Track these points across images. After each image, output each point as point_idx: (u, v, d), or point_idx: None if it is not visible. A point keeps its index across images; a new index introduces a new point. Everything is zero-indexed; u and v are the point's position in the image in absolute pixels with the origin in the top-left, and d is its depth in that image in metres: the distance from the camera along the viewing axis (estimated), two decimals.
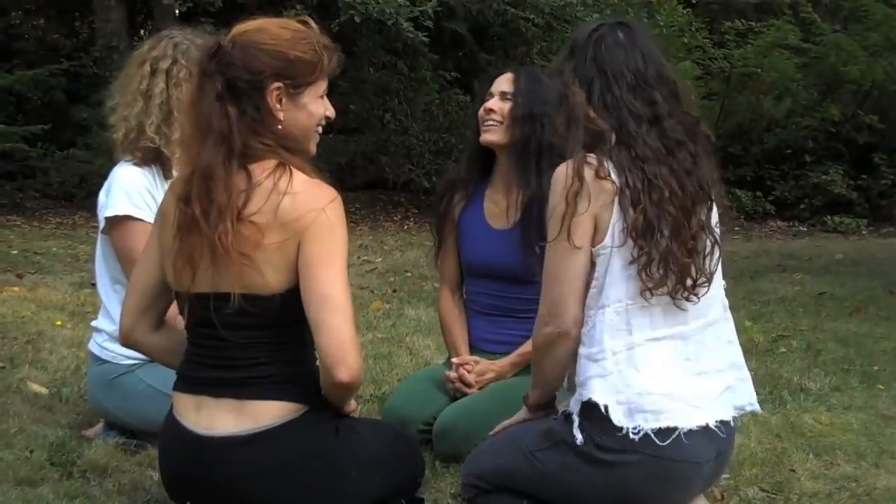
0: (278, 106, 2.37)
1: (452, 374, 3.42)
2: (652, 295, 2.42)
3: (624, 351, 2.43)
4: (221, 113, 2.31)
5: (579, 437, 2.41)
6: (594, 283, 2.46)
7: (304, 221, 2.29)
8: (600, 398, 2.40)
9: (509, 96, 3.41)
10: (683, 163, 2.48)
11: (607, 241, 2.43)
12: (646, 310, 2.44)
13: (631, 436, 2.37)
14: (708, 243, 2.50)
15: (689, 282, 2.45)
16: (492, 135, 3.42)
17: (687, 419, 2.40)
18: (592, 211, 2.42)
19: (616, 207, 2.42)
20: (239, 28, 2.39)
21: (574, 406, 2.47)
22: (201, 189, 2.30)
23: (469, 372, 3.40)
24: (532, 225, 3.34)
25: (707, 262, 2.49)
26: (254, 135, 2.33)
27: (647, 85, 2.51)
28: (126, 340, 2.60)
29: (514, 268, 3.40)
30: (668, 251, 2.41)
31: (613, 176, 2.42)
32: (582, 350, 2.48)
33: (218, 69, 2.32)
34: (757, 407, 2.62)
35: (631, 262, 2.42)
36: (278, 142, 2.37)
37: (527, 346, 3.23)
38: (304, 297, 2.30)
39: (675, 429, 2.39)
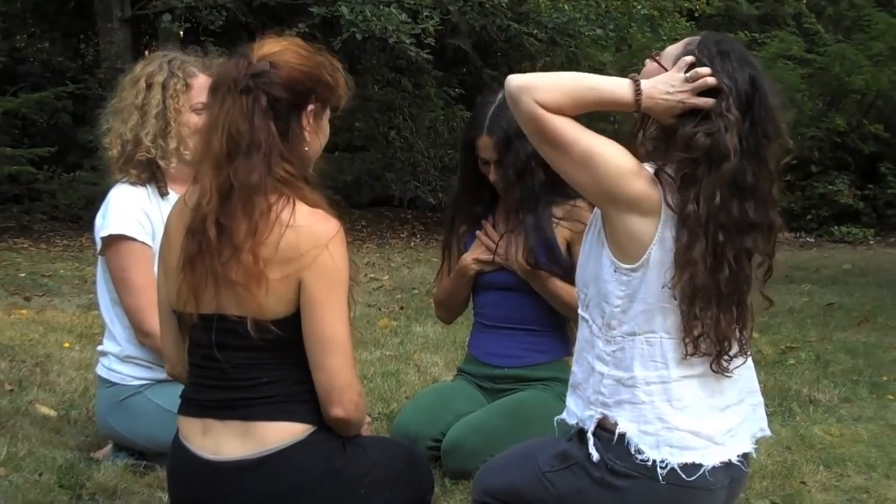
0: (308, 128, 2.36)
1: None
2: (693, 356, 2.32)
3: (658, 383, 2.35)
4: (268, 130, 2.26)
5: (596, 455, 2.36)
6: (618, 302, 2.34)
7: (306, 259, 2.26)
8: (625, 426, 2.34)
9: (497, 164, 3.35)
10: (746, 244, 2.34)
11: (644, 262, 2.30)
12: (681, 345, 2.34)
13: (659, 469, 2.31)
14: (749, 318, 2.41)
15: (728, 355, 2.36)
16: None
17: (711, 457, 2.35)
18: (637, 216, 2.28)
19: (669, 251, 2.29)
20: (264, 49, 2.31)
21: (589, 423, 2.40)
22: (237, 208, 2.22)
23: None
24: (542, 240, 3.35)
25: (746, 333, 2.40)
26: (283, 160, 2.27)
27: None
28: (172, 371, 2.56)
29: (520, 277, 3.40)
30: (716, 323, 2.31)
31: (674, 207, 2.28)
32: (609, 371, 2.39)
33: (260, 87, 2.26)
34: (768, 432, 2.55)
35: (679, 329, 2.31)
36: (302, 170, 2.32)
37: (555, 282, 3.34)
38: (305, 335, 2.29)
39: (699, 465, 2.33)
